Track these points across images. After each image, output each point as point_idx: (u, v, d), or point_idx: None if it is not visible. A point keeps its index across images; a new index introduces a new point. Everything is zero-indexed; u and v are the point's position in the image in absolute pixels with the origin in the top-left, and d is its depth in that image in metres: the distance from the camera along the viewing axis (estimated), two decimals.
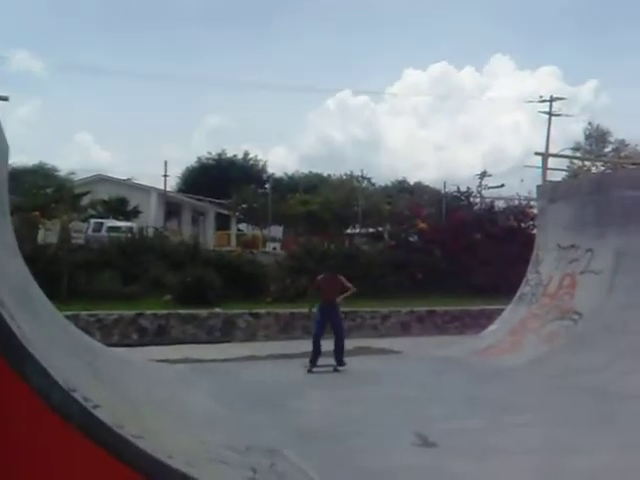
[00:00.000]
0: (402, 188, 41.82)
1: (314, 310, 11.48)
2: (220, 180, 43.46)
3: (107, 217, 29.84)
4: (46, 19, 78.23)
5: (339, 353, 10.87)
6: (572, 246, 13.18)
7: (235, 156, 52.20)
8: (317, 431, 6.73)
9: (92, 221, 27.74)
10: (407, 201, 28.63)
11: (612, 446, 6.08)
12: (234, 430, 6.59)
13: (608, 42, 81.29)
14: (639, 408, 7.81)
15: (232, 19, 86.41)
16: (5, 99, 11.93)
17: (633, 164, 22.42)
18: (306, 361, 10.86)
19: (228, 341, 15.12)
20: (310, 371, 10.63)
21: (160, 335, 15.09)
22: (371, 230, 30.67)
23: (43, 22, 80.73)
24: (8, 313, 3.36)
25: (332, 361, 10.85)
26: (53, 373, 3.29)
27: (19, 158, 34.09)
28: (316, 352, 10.77)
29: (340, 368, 10.76)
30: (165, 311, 15.77)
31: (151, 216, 33.39)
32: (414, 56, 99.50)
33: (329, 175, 45.19)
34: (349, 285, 11.21)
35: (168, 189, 39.72)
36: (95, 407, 3.47)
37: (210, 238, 36.28)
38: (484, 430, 6.76)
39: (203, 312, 15.90)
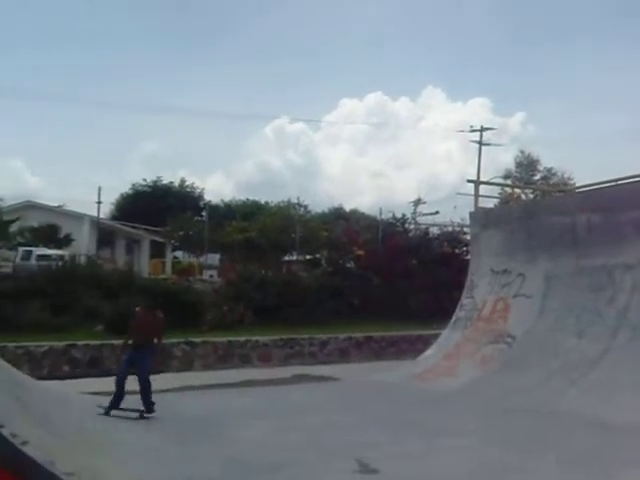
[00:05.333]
0: (339, 215, 42.20)
1: (130, 342, 9.35)
2: (156, 207, 42.82)
3: (37, 245, 28.91)
4: None
5: (147, 401, 8.94)
6: (505, 271, 13.53)
7: (171, 183, 51.64)
8: (256, 461, 6.62)
9: (20, 249, 26.84)
10: (344, 228, 28.85)
11: (549, 462, 6.24)
12: (172, 463, 6.42)
13: (536, 74, 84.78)
14: (570, 425, 8.09)
15: (170, 44, 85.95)
16: None
17: (560, 191, 23.32)
18: (244, 390, 10.65)
19: (164, 371, 14.76)
20: (107, 413, 8.66)
21: (93, 366, 14.62)
22: (308, 257, 30.74)
23: None
24: None
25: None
26: None
27: None
28: (118, 395, 8.81)
29: (148, 415, 8.85)
30: (98, 342, 15.31)
31: (83, 244, 32.52)
32: (350, 86, 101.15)
33: (266, 202, 45.25)
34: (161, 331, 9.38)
35: (101, 216, 38.83)
36: (24, 443, 3.33)
37: (145, 266, 35.57)
38: (424, 454, 6.80)
39: None
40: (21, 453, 3.19)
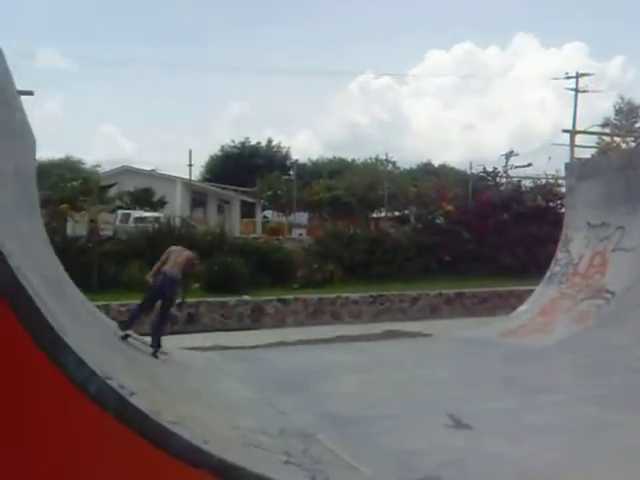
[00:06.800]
0: (427, 170, 41.56)
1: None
2: (244, 168, 43.57)
3: (134, 208, 30.08)
4: (68, 14, 78.75)
5: (156, 333, 9.27)
6: (603, 224, 12.97)
7: (259, 143, 52.25)
8: (348, 414, 6.74)
9: (119, 212, 28.00)
10: (433, 183, 28.36)
11: None
12: (267, 415, 6.64)
13: (634, 16, 79.51)
14: None
15: (251, 4, 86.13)
16: (30, 94, 12.06)
17: None
18: (336, 346, 10.77)
19: (257, 328, 15.20)
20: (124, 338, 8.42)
21: (190, 323, 15.20)
22: (397, 213, 30.49)
23: (64, 18, 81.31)
24: (43, 304, 3.40)
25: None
26: (89, 362, 3.33)
27: (45, 152, 34.48)
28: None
29: (156, 352, 8.82)
30: (194, 299, 15.86)
31: (177, 206, 33.58)
32: (436, 37, 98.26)
33: (353, 160, 45.05)
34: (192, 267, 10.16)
35: (193, 178, 39.88)
36: (131, 395, 3.51)
37: (236, 226, 36.41)
38: (518, 410, 6.72)
39: (232, 299, 15.98)
40: (129, 404, 3.37)
